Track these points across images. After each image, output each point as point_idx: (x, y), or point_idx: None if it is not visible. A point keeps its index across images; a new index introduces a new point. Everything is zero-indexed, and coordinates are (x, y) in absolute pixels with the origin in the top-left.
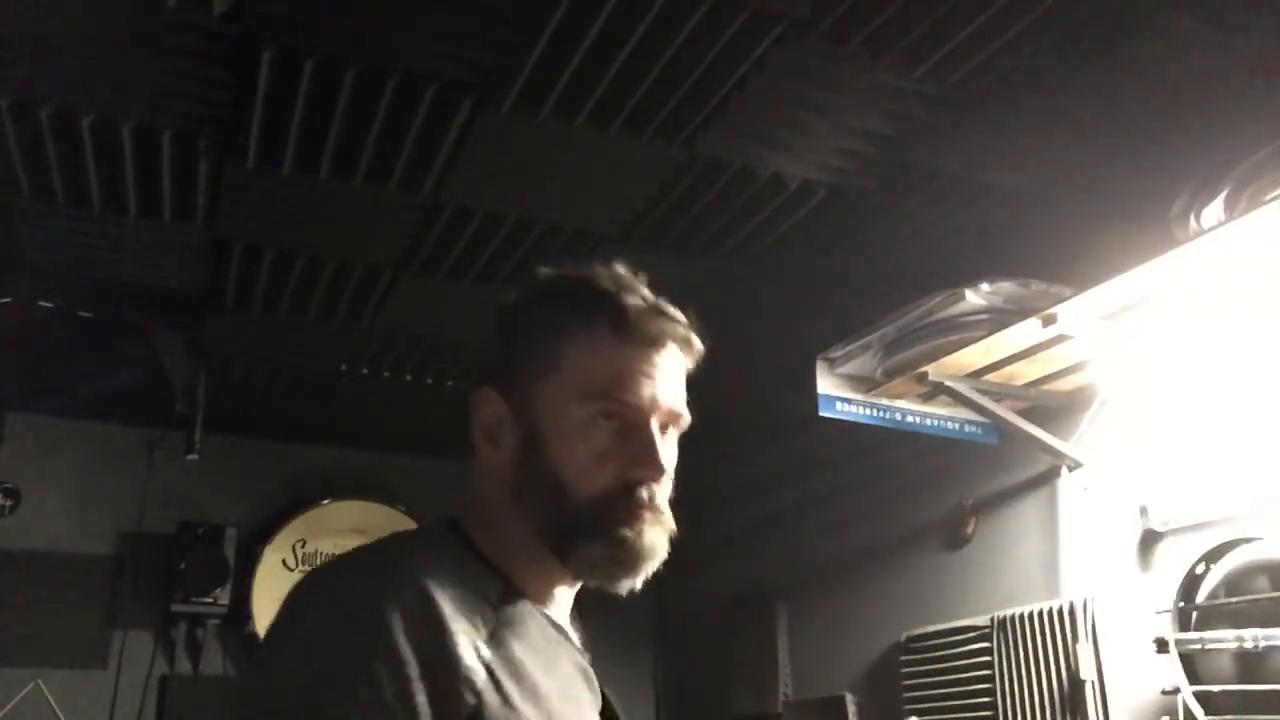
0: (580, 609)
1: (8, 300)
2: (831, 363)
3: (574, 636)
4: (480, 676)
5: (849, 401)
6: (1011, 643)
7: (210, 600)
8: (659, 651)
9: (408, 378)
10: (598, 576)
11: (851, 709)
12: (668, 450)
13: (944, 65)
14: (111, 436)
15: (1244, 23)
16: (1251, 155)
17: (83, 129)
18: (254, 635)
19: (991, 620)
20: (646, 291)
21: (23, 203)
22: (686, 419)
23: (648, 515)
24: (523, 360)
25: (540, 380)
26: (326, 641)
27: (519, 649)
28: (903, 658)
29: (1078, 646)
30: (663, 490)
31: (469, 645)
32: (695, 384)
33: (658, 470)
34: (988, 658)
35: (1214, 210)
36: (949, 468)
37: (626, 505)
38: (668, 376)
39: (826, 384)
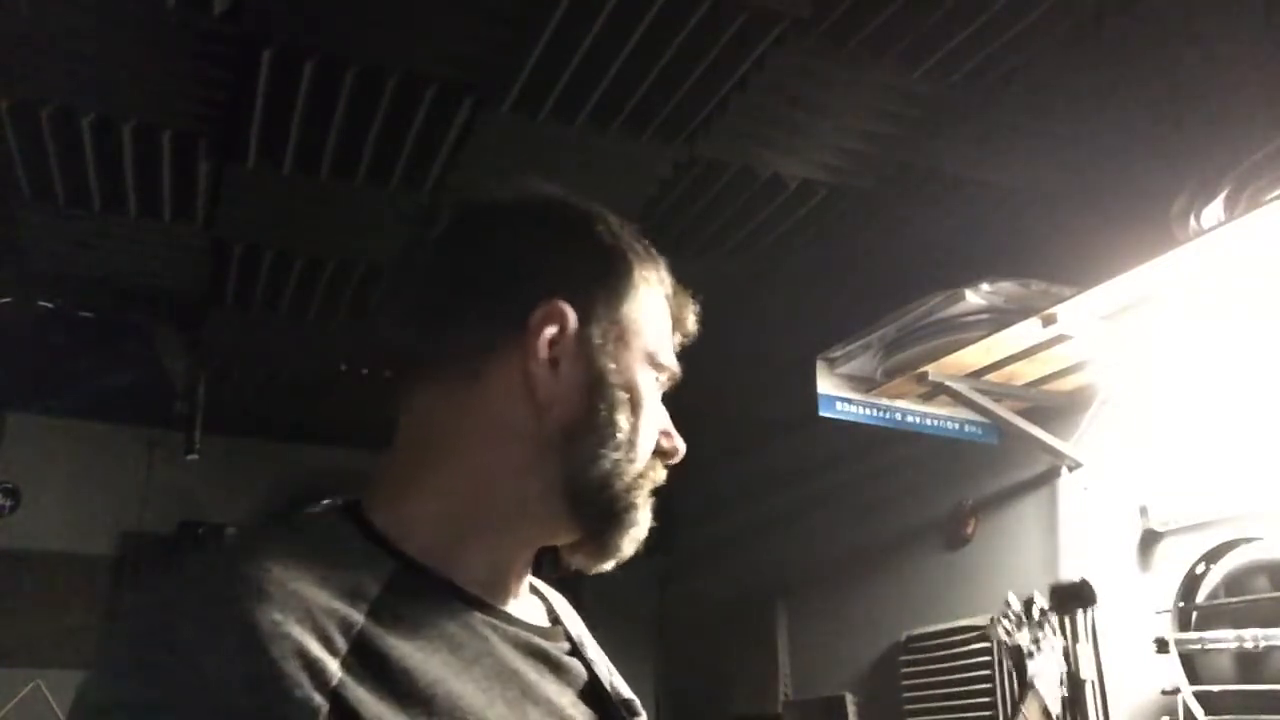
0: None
1: (8, 300)
2: (831, 363)
3: (530, 615)
4: (320, 706)
5: (849, 401)
6: None
7: None
8: (659, 651)
9: None
10: (592, 557)
11: (851, 709)
12: None
13: (944, 65)
14: (111, 436)
15: (1244, 22)
16: (1251, 155)
17: (83, 129)
18: None
19: (991, 620)
20: None
21: (23, 203)
22: None
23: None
24: (600, 285)
25: (618, 323)
26: (136, 704)
27: (405, 651)
28: (903, 658)
29: (1078, 646)
30: None
31: (305, 673)
32: (696, 383)
33: (681, 447)
34: (988, 658)
35: (1214, 210)
36: (949, 468)
37: (650, 485)
38: None
39: (826, 384)
